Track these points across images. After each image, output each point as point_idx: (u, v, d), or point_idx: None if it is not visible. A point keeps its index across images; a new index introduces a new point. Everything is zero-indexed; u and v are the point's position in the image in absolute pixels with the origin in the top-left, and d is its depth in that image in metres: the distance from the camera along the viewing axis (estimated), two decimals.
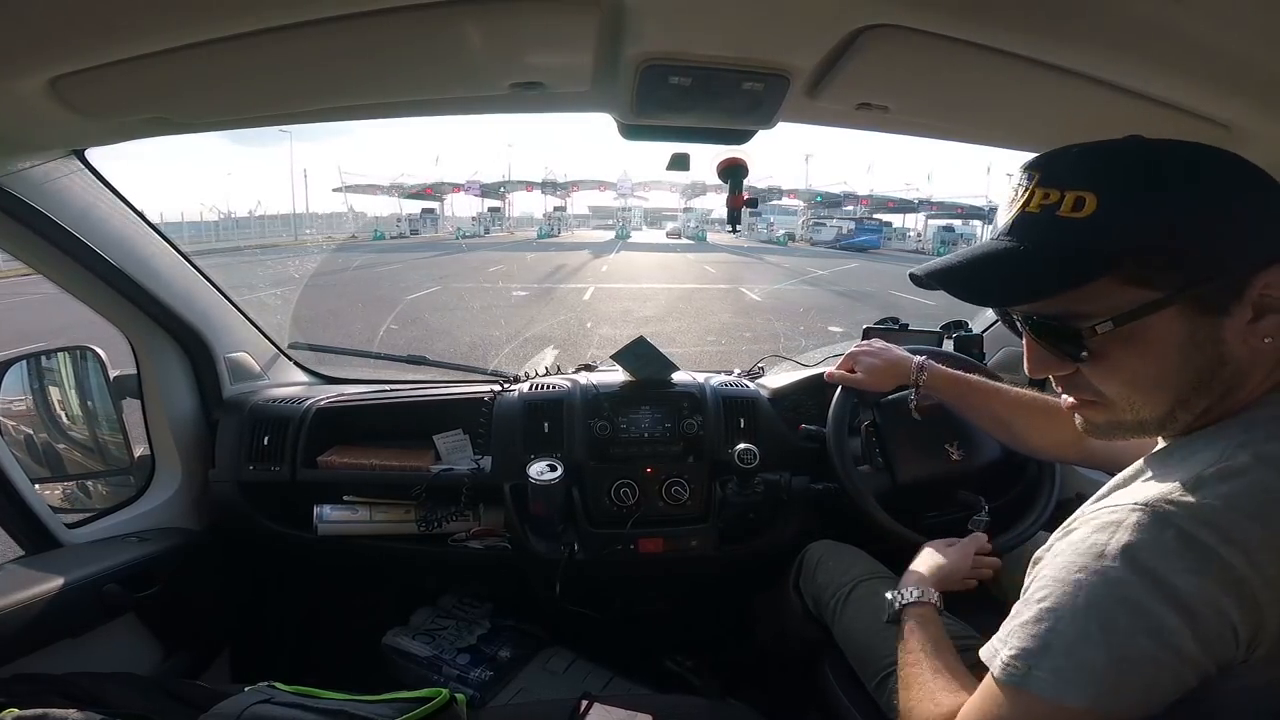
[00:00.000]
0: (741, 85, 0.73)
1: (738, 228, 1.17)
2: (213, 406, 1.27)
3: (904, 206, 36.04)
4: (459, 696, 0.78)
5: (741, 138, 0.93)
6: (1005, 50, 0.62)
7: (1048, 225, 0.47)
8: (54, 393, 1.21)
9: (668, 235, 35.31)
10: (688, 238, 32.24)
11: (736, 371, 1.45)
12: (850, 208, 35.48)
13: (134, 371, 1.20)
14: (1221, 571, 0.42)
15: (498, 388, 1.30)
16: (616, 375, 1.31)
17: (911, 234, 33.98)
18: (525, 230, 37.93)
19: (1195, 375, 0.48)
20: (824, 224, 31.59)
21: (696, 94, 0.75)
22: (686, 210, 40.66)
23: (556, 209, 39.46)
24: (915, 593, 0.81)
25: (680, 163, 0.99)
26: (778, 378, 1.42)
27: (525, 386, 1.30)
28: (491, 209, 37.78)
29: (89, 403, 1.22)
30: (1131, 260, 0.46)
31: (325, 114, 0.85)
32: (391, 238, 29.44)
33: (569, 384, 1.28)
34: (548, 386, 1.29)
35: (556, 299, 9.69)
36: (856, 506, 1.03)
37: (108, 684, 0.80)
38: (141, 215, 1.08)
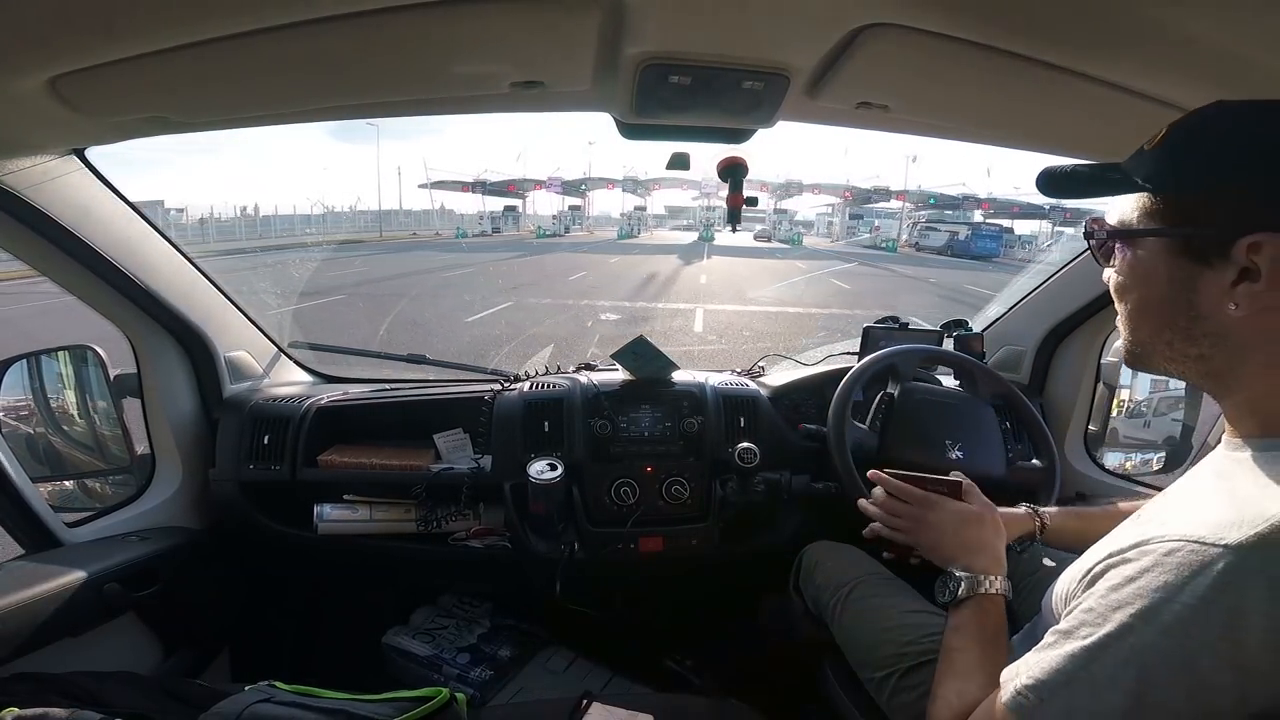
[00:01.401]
0: (741, 84, 0.73)
1: (737, 227, 1.16)
2: (213, 405, 1.27)
3: (1031, 211, 31.30)
4: (459, 696, 0.78)
5: (742, 137, 0.93)
6: (1004, 50, 0.62)
7: (1138, 152, 0.52)
8: (54, 392, 1.21)
9: (755, 238, 32.21)
10: (780, 241, 30.20)
11: (737, 371, 1.45)
12: (962, 212, 32.00)
13: (134, 370, 1.19)
14: None
15: (498, 387, 1.30)
16: (616, 374, 1.31)
17: (1041, 240, 29.74)
18: (604, 230, 36.92)
19: (1170, 313, 0.50)
20: (935, 228, 28.66)
21: (696, 93, 0.75)
22: (779, 211, 36.38)
23: (637, 208, 37.72)
24: (999, 584, 0.69)
25: (680, 162, 1.00)
26: (778, 377, 1.42)
27: (525, 386, 1.30)
28: (572, 207, 36.83)
29: (89, 402, 1.22)
30: (1149, 192, 0.50)
31: (325, 113, 0.86)
32: (474, 235, 29.15)
33: (569, 383, 1.28)
34: (548, 386, 1.29)
35: (659, 331, 6.95)
36: (829, 443, 1.04)
37: (108, 683, 0.80)
38: (142, 214, 1.08)
